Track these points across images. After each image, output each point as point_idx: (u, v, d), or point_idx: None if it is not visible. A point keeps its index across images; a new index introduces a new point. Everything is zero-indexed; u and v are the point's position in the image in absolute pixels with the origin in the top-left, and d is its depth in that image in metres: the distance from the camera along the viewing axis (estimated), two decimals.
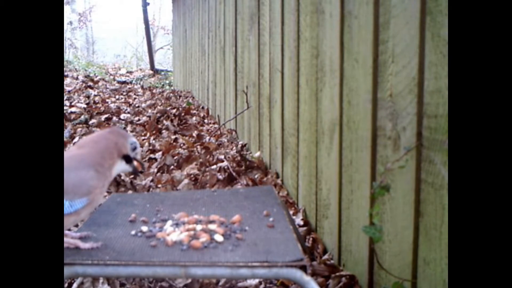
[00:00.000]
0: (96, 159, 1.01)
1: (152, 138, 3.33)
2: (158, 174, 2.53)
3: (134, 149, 1.08)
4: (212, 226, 1.13)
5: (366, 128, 1.27)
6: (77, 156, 1.02)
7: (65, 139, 3.25)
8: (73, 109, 4.37)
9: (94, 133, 1.09)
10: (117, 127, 1.10)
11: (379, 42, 1.19)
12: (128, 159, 1.08)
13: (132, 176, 2.46)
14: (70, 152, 1.04)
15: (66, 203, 0.97)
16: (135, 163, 1.09)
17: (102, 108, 4.53)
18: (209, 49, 4.35)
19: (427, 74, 0.99)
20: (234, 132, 3.26)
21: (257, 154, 2.56)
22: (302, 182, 1.84)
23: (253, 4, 2.60)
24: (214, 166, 2.48)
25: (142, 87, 7.14)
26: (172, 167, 2.62)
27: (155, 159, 2.78)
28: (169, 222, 1.16)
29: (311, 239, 1.66)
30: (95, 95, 5.58)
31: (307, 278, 0.93)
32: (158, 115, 4.08)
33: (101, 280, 1.47)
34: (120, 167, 1.08)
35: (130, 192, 2.29)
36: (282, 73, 2.06)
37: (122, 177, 2.40)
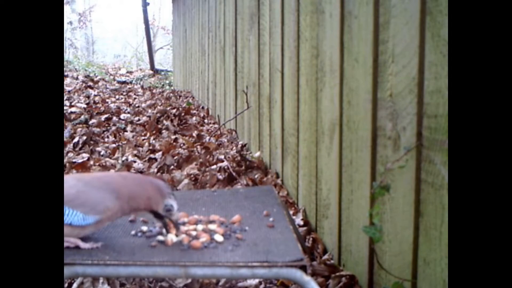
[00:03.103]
0: (122, 194, 1.03)
1: (152, 138, 3.33)
2: (158, 174, 2.53)
3: (169, 211, 1.06)
4: (212, 226, 1.13)
5: (366, 128, 1.27)
6: (105, 179, 1.05)
7: (65, 139, 3.25)
8: (73, 109, 4.37)
9: (143, 175, 1.10)
10: (163, 184, 1.07)
11: (379, 42, 1.19)
12: (157, 215, 1.07)
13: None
14: (102, 173, 1.09)
15: (80, 216, 1.00)
16: (167, 221, 1.07)
17: (102, 108, 4.53)
18: (209, 49, 4.35)
19: (427, 74, 0.99)
20: (234, 132, 3.26)
21: (257, 154, 2.56)
22: (302, 182, 1.84)
23: (253, 4, 2.60)
24: (214, 166, 2.48)
25: (142, 87, 7.14)
26: (172, 167, 2.62)
27: (155, 159, 2.78)
28: None
29: (311, 239, 1.66)
30: (95, 95, 5.58)
31: (307, 278, 0.93)
32: (158, 115, 4.08)
33: (101, 280, 1.47)
34: (146, 216, 1.10)
35: None
36: (282, 73, 2.06)
37: None
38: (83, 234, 1.03)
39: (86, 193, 1.00)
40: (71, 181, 1.02)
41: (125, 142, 3.23)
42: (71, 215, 0.99)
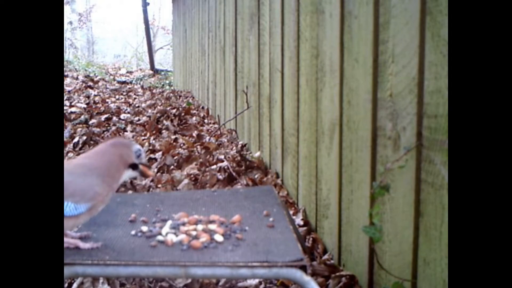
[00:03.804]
0: (103, 171, 1.05)
1: (152, 138, 3.33)
2: (158, 174, 2.53)
3: (139, 156, 1.10)
4: (212, 226, 1.13)
5: (366, 128, 1.27)
6: (86, 165, 1.05)
7: (65, 139, 3.25)
8: (73, 109, 4.37)
9: (98, 146, 1.10)
10: (119, 139, 1.12)
11: (379, 42, 1.19)
12: (134, 166, 1.10)
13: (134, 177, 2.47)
14: (78, 160, 1.08)
15: (72, 206, 0.99)
16: (141, 167, 1.11)
17: (102, 108, 4.53)
18: (209, 49, 4.35)
19: (427, 74, 0.99)
20: (234, 132, 3.26)
21: (257, 154, 2.56)
22: (302, 182, 1.84)
23: (253, 4, 2.60)
24: (214, 166, 2.48)
25: (142, 87, 7.14)
26: (172, 167, 2.62)
27: (155, 159, 2.78)
28: (169, 222, 1.16)
29: (311, 239, 1.66)
30: (95, 95, 5.58)
31: (307, 278, 0.93)
32: (158, 115, 4.08)
33: (101, 280, 1.47)
34: (127, 174, 1.11)
35: (130, 192, 2.29)
36: (282, 73, 2.06)
37: None
38: (78, 223, 1.03)
39: (73, 183, 1.00)
40: None
41: None
42: None
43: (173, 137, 3.35)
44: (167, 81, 8.21)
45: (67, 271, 0.95)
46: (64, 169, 0.99)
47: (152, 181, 2.43)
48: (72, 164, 1.06)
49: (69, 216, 0.99)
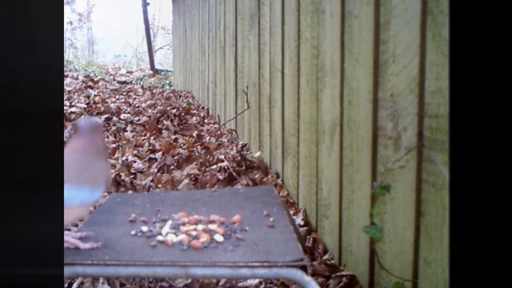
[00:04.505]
0: (102, 154, 1.09)
1: (152, 138, 3.33)
2: (158, 174, 2.52)
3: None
4: (212, 226, 1.13)
5: (366, 128, 1.26)
6: (88, 153, 1.09)
7: (65, 139, 3.25)
8: (73, 109, 4.37)
9: (80, 139, 1.10)
10: (86, 123, 1.12)
11: (379, 42, 1.19)
12: None
13: (132, 176, 2.47)
14: (76, 154, 1.08)
15: (88, 192, 1.02)
16: None
17: (102, 108, 4.53)
18: (209, 49, 4.35)
19: (428, 74, 0.99)
20: (234, 132, 3.26)
21: (257, 154, 2.56)
22: (302, 182, 1.84)
23: (253, 4, 2.60)
24: (214, 166, 2.48)
25: (142, 87, 7.14)
26: (172, 167, 2.62)
27: (155, 159, 2.77)
28: (169, 222, 1.16)
29: (311, 239, 1.66)
30: (95, 95, 5.57)
31: (307, 278, 0.93)
32: (158, 115, 4.07)
33: (101, 280, 1.47)
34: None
35: (130, 192, 2.29)
36: (283, 73, 2.06)
37: (122, 177, 2.40)
38: (91, 208, 1.07)
39: (87, 170, 1.03)
40: (69, 164, 1.03)
41: (125, 142, 3.23)
42: (80, 194, 1.00)
43: (173, 137, 3.34)
44: (167, 81, 8.21)
45: (67, 271, 0.94)
46: (71, 160, 1.03)
47: (152, 181, 2.42)
48: (76, 156, 1.08)
49: (87, 203, 1.03)
